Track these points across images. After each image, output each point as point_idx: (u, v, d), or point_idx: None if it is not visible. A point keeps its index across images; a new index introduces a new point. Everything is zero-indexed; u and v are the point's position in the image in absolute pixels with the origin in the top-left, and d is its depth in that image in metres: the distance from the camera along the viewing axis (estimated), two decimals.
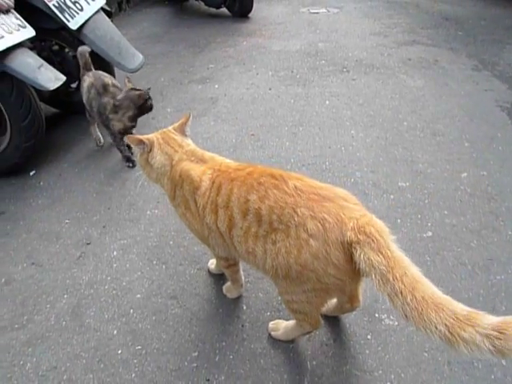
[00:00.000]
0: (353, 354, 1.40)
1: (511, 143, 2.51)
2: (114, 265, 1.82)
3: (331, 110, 3.00)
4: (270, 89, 3.35)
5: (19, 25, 2.14)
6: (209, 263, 1.76)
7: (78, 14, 2.44)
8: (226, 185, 1.22)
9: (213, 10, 5.37)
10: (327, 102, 3.10)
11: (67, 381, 1.39)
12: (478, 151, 2.45)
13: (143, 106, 2.24)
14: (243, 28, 4.90)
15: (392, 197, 2.12)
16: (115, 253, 1.89)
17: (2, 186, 2.38)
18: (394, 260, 0.98)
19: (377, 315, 1.51)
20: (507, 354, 0.82)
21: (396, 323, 1.49)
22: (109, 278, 1.76)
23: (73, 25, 2.41)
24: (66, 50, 2.71)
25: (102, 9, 2.68)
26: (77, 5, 2.45)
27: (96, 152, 2.66)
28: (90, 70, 2.40)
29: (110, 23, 2.70)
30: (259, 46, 4.30)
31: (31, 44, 2.38)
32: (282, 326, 1.44)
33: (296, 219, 1.08)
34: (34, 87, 2.21)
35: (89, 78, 2.34)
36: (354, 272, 1.05)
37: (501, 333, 0.82)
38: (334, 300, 1.41)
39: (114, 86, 2.31)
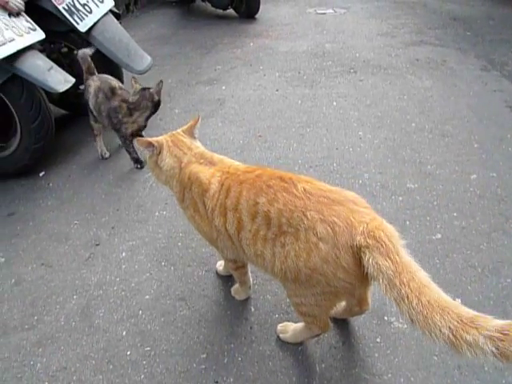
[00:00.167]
0: (362, 357, 1.39)
1: None
2: (123, 266, 1.83)
3: (338, 111, 2.99)
4: (277, 90, 3.35)
5: (29, 27, 2.17)
6: (217, 265, 1.76)
7: (87, 16, 2.46)
8: (234, 187, 1.22)
9: (219, 11, 5.39)
10: (334, 103, 3.09)
11: (77, 381, 1.40)
12: (487, 152, 2.43)
13: (159, 102, 2.27)
14: (250, 29, 4.91)
15: (400, 198, 2.11)
16: (124, 254, 1.90)
17: (12, 187, 2.41)
18: (402, 265, 0.97)
19: (386, 318, 1.51)
20: (511, 357, 0.81)
21: (405, 326, 1.48)
22: (118, 279, 1.77)
23: (82, 27, 2.43)
24: (75, 52, 2.73)
25: (110, 11, 2.69)
26: (86, 7, 2.47)
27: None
28: (94, 73, 2.39)
29: (119, 25, 2.72)
30: (266, 47, 4.30)
31: (41, 46, 2.41)
32: (290, 329, 1.44)
33: (305, 222, 1.08)
34: (43, 89, 2.24)
35: (94, 82, 2.32)
36: (363, 276, 1.05)
37: (504, 334, 0.81)
38: (343, 303, 1.41)
39: (120, 88, 2.32)
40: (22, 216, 2.19)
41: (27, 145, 2.34)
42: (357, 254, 1.04)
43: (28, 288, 1.77)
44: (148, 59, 2.78)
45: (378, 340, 1.45)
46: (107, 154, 2.61)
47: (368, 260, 1.00)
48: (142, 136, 2.41)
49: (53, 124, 2.40)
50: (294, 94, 3.28)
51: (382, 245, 0.99)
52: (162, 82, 2.27)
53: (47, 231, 2.07)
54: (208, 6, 5.54)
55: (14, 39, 2.04)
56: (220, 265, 1.74)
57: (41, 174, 2.50)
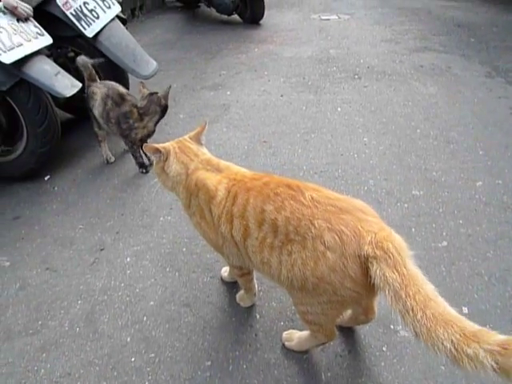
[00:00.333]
0: (368, 366, 1.38)
1: None
2: (128, 271, 1.83)
3: (343, 116, 3.00)
4: (281, 95, 3.36)
5: (37, 33, 2.18)
6: (222, 271, 1.76)
7: (94, 21, 2.48)
8: (241, 194, 1.22)
9: (224, 16, 5.42)
10: (339, 109, 3.10)
11: None
12: (492, 159, 2.43)
13: (166, 106, 2.28)
14: (255, 35, 4.93)
15: (406, 205, 2.10)
16: (128, 259, 1.90)
17: (18, 190, 2.42)
18: (409, 278, 0.97)
19: (392, 327, 1.50)
20: (510, 373, 0.80)
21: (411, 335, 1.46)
22: (122, 285, 1.77)
23: (89, 32, 2.45)
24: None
25: (117, 16, 2.71)
26: (93, 13, 2.49)
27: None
28: (95, 80, 2.40)
29: (125, 30, 2.74)
30: (271, 52, 4.32)
31: (48, 51, 2.42)
32: (295, 337, 1.43)
33: (313, 231, 1.07)
34: (50, 94, 2.25)
35: (100, 90, 2.31)
36: (370, 286, 1.04)
37: (504, 349, 0.80)
38: (349, 311, 1.40)
39: (128, 94, 2.34)
40: (28, 220, 2.19)
41: (33, 148, 2.35)
42: (364, 263, 1.03)
43: (32, 292, 1.76)
44: (154, 64, 2.79)
45: (384, 349, 1.44)
46: (112, 159, 2.61)
47: (375, 271, 1.00)
48: (147, 142, 2.41)
49: (59, 128, 2.41)
50: (298, 99, 3.28)
51: (389, 256, 0.99)
52: (170, 86, 2.30)
53: (52, 235, 2.08)
54: (213, 12, 5.57)
55: (22, 44, 2.06)
56: (225, 271, 1.74)
57: (46, 178, 2.51)
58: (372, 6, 5.96)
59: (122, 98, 2.29)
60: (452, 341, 0.86)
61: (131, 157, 2.50)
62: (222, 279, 1.75)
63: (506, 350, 0.80)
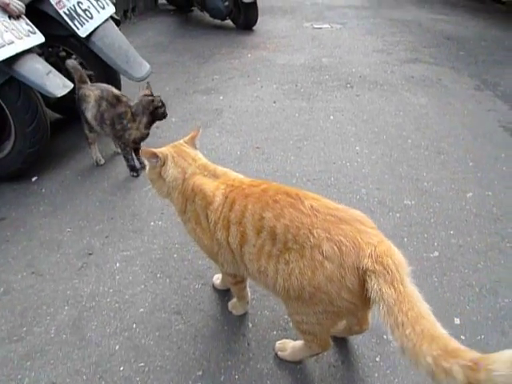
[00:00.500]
0: (361, 377, 1.37)
1: None
2: (117, 277, 1.79)
3: (335, 125, 3.01)
4: (274, 102, 3.36)
5: (29, 31, 2.13)
6: (214, 278, 1.73)
7: (87, 21, 2.44)
8: (239, 201, 1.21)
9: (217, 21, 5.42)
10: (331, 117, 3.11)
11: None
12: (482, 171, 2.46)
13: (155, 112, 2.25)
14: (248, 40, 4.94)
15: (398, 215, 2.11)
16: (118, 264, 1.85)
17: (4, 191, 2.35)
18: (405, 295, 0.97)
19: (385, 337, 1.49)
20: None
21: None
22: (111, 291, 1.72)
23: (82, 32, 2.41)
24: (73, 56, 2.70)
25: (111, 17, 2.68)
26: (87, 13, 2.45)
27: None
28: (86, 82, 2.36)
29: (119, 32, 2.70)
30: (264, 58, 4.33)
31: (40, 50, 2.37)
32: (289, 346, 1.41)
33: (312, 240, 1.06)
34: (40, 93, 2.20)
35: (93, 92, 2.28)
36: (366, 298, 1.04)
37: (475, 364, 0.81)
38: (343, 321, 1.39)
39: (123, 95, 2.31)
40: (13, 221, 2.13)
41: (21, 148, 2.29)
42: (362, 276, 1.03)
43: (17, 297, 1.70)
44: (147, 66, 2.76)
45: (378, 359, 1.43)
46: (102, 161, 2.57)
47: (373, 285, 1.00)
48: (140, 145, 2.38)
49: (48, 128, 2.36)
50: (291, 106, 3.29)
51: (388, 272, 0.99)
52: (159, 96, 2.28)
53: (39, 238, 2.02)
54: (206, 16, 5.57)
55: (13, 42, 2.01)
56: (217, 278, 1.71)
57: (33, 179, 2.44)
58: (364, 17, 6.04)
59: (117, 99, 2.26)
60: (433, 355, 0.86)
61: (122, 160, 2.46)
62: (213, 286, 1.72)
63: (476, 366, 0.80)
